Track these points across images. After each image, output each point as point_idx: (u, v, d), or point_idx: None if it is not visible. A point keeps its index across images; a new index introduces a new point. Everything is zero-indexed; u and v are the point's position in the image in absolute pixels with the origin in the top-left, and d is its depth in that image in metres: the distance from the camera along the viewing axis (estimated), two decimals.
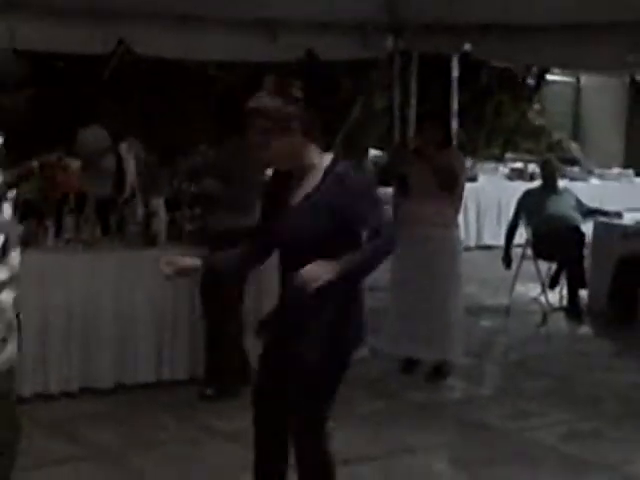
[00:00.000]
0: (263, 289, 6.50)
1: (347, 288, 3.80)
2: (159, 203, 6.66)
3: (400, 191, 7.15)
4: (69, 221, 6.44)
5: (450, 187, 6.91)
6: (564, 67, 12.92)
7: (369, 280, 7.86)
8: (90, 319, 6.30)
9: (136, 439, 5.67)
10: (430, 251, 6.91)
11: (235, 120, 5.75)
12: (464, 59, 10.41)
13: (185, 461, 5.37)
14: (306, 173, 3.81)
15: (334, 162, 3.81)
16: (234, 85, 9.98)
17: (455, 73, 11.39)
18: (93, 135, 7.81)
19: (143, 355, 6.47)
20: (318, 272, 3.54)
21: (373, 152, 14.12)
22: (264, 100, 3.75)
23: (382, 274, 8.53)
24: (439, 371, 7.11)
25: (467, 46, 8.28)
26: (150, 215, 6.62)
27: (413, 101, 9.06)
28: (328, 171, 3.77)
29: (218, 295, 6.25)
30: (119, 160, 7.90)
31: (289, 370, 3.89)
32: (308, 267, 3.54)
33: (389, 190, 7.77)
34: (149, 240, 6.56)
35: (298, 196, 3.82)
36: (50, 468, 5.19)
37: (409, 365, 7.23)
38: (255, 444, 4.09)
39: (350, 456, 5.45)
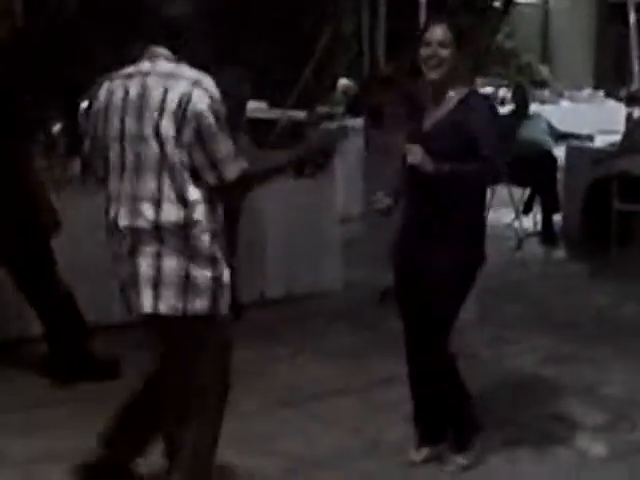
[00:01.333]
0: None
1: (469, 200, 4.19)
2: None
3: (372, 122, 7.07)
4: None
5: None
6: None
7: (340, 211, 7.87)
8: None
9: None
10: None
11: None
12: None
13: None
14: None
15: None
16: None
17: None
18: None
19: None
20: (421, 157, 3.97)
21: (343, 81, 14.00)
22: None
23: (354, 206, 8.59)
24: None
25: None
26: None
27: (381, 25, 8.93)
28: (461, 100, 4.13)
29: None
30: None
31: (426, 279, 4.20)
32: (414, 147, 4.00)
33: (359, 121, 7.68)
34: None
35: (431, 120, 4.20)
36: None
37: (386, 295, 7.21)
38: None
39: (327, 389, 5.47)
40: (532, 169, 9.11)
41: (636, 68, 13.63)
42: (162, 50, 3.56)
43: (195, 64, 3.56)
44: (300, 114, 10.89)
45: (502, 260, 8.70)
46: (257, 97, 12.02)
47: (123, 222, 3.53)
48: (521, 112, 9.54)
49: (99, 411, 4.10)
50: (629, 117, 9.91)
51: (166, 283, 3.49)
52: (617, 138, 9.38)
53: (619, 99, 14.87)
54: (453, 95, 4.19)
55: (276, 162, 3.79)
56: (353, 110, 7.49)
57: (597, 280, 8.03)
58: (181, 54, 3.56)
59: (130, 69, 3.60)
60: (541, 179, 9.26)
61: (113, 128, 3.54)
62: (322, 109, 11.64)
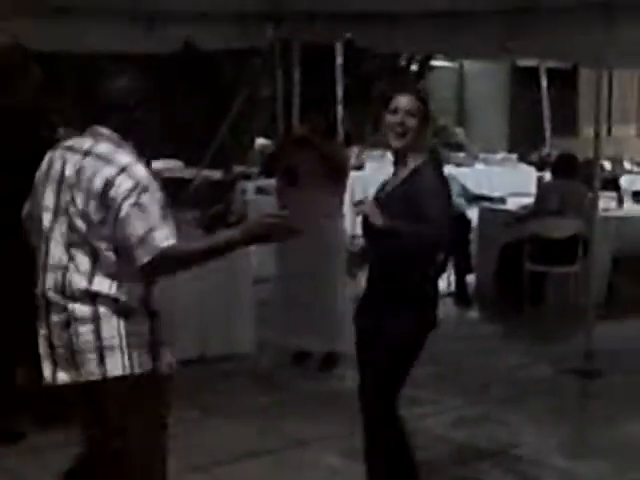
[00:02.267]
0: None
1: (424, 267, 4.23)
2: None
3: (287, 181, 7.05)
4: None
5: (338, 177, 6.90)
6: (445, 54, 13.05)
7: (254, 272, 7.83)
8: None
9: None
10: (315, 242, 6.86)
11: None
12: (348, 46, 10.40)
13: None
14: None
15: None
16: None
17: (339, 60, 11.36)
18: None
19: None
20: (373, 210, 4.14)
21: (260, 141, 14.05)
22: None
23: (268, 265, 8.55)
24: (329, 361, 7.09)
25: (348, 35, 8.26)
26: None
27: (296, 89, 9.01)
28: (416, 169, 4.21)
29: None
30: None
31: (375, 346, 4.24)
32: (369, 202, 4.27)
33: (273, 181, 7.67)
34: None
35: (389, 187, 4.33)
36: None
37: (300, 357, 7.19)
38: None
39: (240, 451, 5.40)
40: None
41: (548, 133, 13.93)
42: (104, 129, 3.56)
43: (142, 142, 3.59)
44: (216, 173, 10.89)
45: None
46: (173, 156, 12.04)
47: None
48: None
49: None
50: (540, 181, 10.09)
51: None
52: (529, 201, 9.54)
53: (531, 163, 15.16)
54: (410, 162, 4.23)
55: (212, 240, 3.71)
56: (267, 170, 7.49)
57: (510, 341, 8.11)
58: (122, 131, 3.56)
59: (72, 142, 3.61)
60: (454, 240, 9.34)
61: (47, 199, 3.56)
62: (238, 168, 11.67)
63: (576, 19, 6.75)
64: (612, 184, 10.96)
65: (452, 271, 9.58)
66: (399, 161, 4.30)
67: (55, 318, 3.50)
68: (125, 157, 3.49)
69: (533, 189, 9.92)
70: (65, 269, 3.49)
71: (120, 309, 3.48)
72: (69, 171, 3.51)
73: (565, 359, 7.27)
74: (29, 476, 5.10)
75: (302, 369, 7.09)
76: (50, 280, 3.53)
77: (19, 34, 6.97)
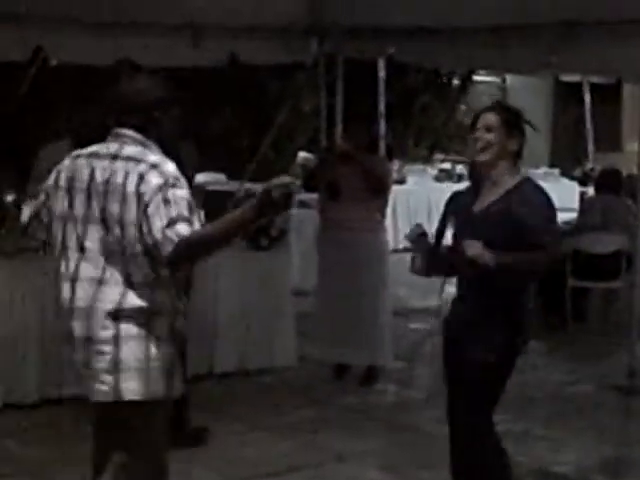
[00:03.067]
0: None
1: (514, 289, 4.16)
2: None
3: (329, 195, 7.06)
4: None
5: (379, 191, 6.92)
6: (487, 69, 13.03)
7: (295, 285, 7.86)
8: None
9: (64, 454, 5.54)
10: (357, 255, 6.88)
11: None
12: (391, 60, 10.42)
13: None
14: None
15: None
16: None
17: (382, 74, 11.38)
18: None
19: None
20: (482, 251, 3.95)
21: (302, 155, 14.08)
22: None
23: (308, 279, 8.58)
24: (370, 375, 7.08)
25: (391, 50, 8.27)
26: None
27: (339, 104, 9.03)
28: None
29: None
30: None
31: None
32: (472, 242, 4.01)
33: (315, 195, 7.68)
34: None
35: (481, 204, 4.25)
36: None
37: (340, 371, 7.19)
38: None
39: (280, 466, 5.41)
40: None
41: (591, 147, 13.85)
42: (128, 131, 3.56)
43: (164, 141, 3.58)
44: (259, 187, 10.93)
45: None
46: (216, 169, 12.10)
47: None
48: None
49: None
50: (582, 196, 10.03)
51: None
52: (571, 216, 9.48)
53: (574, 178, 15.07)
54: (506, 180, 4.21)
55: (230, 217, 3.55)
56: (309, 184, 7.53)
57: (553, 357, 8.05)
58: (149, 132, 3.56)
59: (96, 148, 3.60)
60: None
61: (76, 208, 3.54)
62: (282, 179, 11.69)
63: (620, 34, 6.71)
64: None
65: None
66: (484, 177, 4.29)
67: (78, 332, 3.50)
68: (153, 156, 3.51)
69: (576, 204, 9.87)
70: (98, 282, 3.48)
71: (146, 331, 3.48)
72: (100, 177, 3.49)
73: (608, 376, 7.22)
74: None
75: (342, 383, 7.09)
76: (80, 292, 3.50)
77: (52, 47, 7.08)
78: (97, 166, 3.52)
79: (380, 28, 7.96)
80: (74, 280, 3.53)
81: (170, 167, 3.48)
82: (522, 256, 4.03)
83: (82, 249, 3.52)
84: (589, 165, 14.53)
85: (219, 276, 6.87)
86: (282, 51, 8.26)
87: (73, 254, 3.54)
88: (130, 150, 3.53)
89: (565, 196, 12.27)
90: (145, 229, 3.40)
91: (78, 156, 3.63)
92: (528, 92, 19.12)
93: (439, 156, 16.25)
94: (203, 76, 10.57)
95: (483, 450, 4.33)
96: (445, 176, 14.24)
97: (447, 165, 14.86)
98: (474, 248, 4.00)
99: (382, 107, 11.38)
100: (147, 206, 3.40)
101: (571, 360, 7.89)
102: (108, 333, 3.46)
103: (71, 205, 3.56)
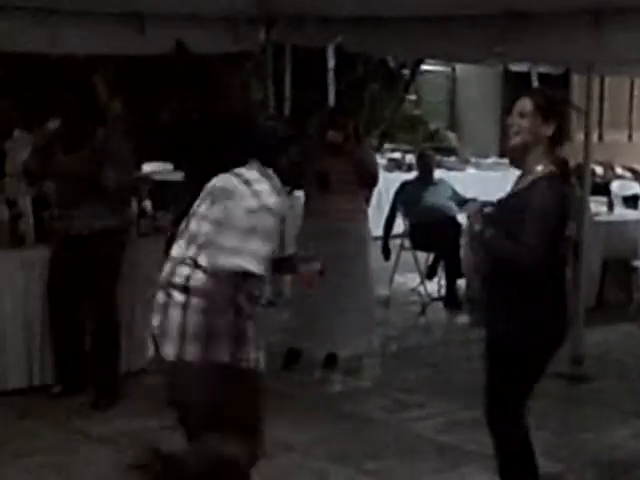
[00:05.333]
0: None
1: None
2: (26, 202, 6.45)
3: (318, 186, 6.93)
4: None
5: (371, 182, 6.99)
6: (435, 58, 13.05)
7: None
8: None
9: (3, 447, 5.48)
10: (347, 244, 6.91)
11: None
12: (340, 49, 10.40)
13: (59, 468, 5.21)
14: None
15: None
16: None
17: (331, 64, 11.39)
18: None
19: (13, 360, 6.26)
20: (476, 213, 4.24)
21: None
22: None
23: None
24: (328, 363, 7.11)
25: (339, 38, 8.26)
26: (17, 215, 6.41)
27: (287, 93, 9.00)
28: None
29: None
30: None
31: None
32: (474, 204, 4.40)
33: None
34: (16, 241, 6.36)
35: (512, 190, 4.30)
36: None
37: (290, 360, 7.16)
38: None
39: None
40: (436, 235, 9.20)
41: None
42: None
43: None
44: None
45: (406, 325, 8.75)
46: (164, 159, 12.01)
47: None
48: (425, 178, 9.66)
49: None
50: None
51: None
52: None
53: None
54: (536, 170, 4.18)
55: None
56: (295, 177, 7.37)
57: None
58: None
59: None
60: (445, 244, 9.33)
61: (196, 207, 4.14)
62: None
63: (566, 25, 6.76)
64: (603, 189, 10.96)
65: (442, 275, 9.59)
66: (519, 166, 4.30)
67: (159, 300, 3.99)
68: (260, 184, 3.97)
69: None
70: (179, 262, 3.98)
71: (209, 303, 3.89)
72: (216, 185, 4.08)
73: (553, 363, 7.24)
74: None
75: (290, 373, 7.06)
76: (167, 268, 4.03)
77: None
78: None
79: (328, 17, 7.95)
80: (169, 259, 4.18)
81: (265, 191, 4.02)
82: (507, 244, 4.14)
83: (179, 236, 4.17)
84: None
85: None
86: (229, 40, 8.22)
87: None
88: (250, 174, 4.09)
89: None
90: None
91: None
92: (477, 82, 19.22)
93: (389, 146, 16.25)
94: (150, 65, 10.48)
95: (510, 441, 4.45)
96: (394, 166, 14.25)
97: (397, 155, 14.87)
98: (472, 209, 4.29)
99: (332, 96, 11.39)
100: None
101: None
102: (178, 299, 3.99)
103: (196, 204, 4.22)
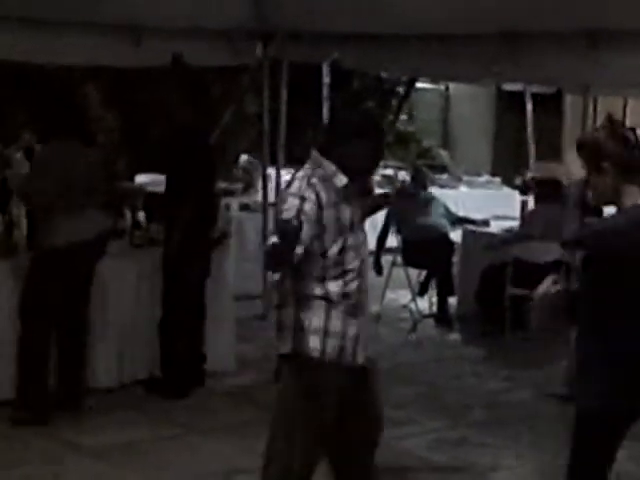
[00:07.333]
0: None
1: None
2: (20, 212, 6.45)
3: None
4: None
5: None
6: (431, 77, 13.09)
7: (239, 290, 7.79)
8: None
9: None
10: None
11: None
12: (335, 66, 10.44)
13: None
14: None
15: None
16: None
17: (326, 80, 11.42)
18: None
19: (3, 371, 6.24)
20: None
21: (244, 158, 14.04)
22: (587, 135, 4.09)
23: (252, 283, 8.56)
24: None
25: (335, 55, 8.28)
26: (10, 224, 6.41)
27: (283, 108, 9.03)
28: None
29: None
30: None
31: None
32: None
33: (258, 198, 7.61)
34: (9, 250, 6.35)
35: None
36: None
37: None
38: None
39: (218, 469, 5.40)
40: (429, 252, 9.21)
41: (532, 157, 13.96)
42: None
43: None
44: None
45: (397, 341, 8.74)
46: (158, 171, 12.01)
47: None
48: (419, 196, 9.67)
49: None
50: (524, 205, 10.09)
51: None
52: (512, 224, 9.56)
53: (515, 187, 15.18)
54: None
55: None
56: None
57: (490, 364, 8.10)
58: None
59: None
60: (437, 262, 9.37)
61: None
62: (222, 185, 11.65)
63: (561, 45, 6.79)
64: (595, 209, 10.96)
65: (434, 292, 9.60)
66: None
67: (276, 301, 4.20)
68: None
69: (516, 212, 9.94)
70: None
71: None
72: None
73: (546, 383, 7.28)
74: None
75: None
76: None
77: None
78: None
79: (324, 33, 7.97)
80: None
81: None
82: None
83: None
84: (529, 174, 14.63)
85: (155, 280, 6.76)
86: (227, 53, 8.23)
87: None
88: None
89: (506, 204, 12.38)
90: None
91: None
92: (471, 100, 19.27)
93: (381, 162, 16.24)
94: (145, 77, 10.49)
95: None
96: (387, 182, 14.26)
97: (389, 171, 14.89)
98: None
99: (326, 111, 11.42)
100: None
101: (509, 366, 7.95)
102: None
103: None
